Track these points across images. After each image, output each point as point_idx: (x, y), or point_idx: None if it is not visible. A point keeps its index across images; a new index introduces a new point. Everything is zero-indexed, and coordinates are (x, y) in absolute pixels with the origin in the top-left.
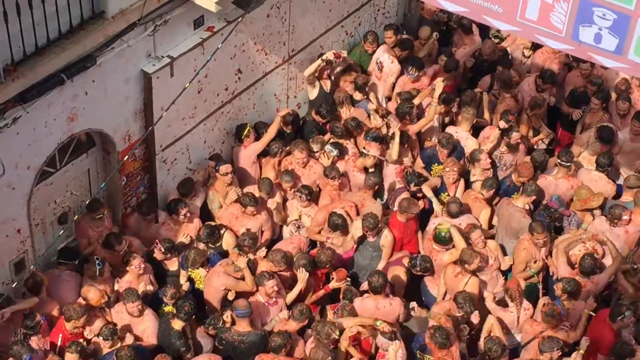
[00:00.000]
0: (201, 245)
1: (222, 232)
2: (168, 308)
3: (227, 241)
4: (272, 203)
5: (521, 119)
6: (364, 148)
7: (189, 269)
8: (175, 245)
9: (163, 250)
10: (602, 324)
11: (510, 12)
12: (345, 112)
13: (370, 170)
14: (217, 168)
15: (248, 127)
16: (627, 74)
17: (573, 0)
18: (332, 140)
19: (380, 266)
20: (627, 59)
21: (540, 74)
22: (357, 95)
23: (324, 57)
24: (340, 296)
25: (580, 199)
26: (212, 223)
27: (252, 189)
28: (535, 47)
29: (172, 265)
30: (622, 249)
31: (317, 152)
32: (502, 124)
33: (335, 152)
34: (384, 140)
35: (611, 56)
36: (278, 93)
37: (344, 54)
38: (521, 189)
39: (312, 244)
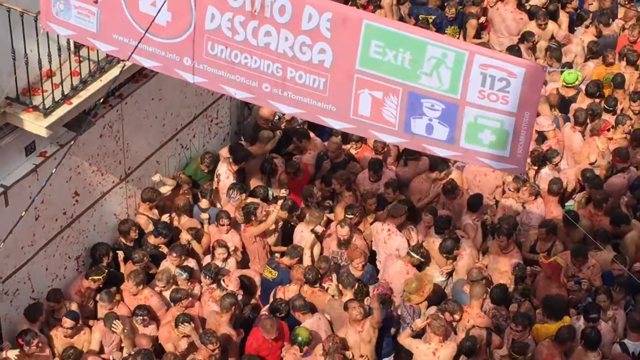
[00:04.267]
0: None
1: None
2: None
3: None
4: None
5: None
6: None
7: None
8: None
9: None
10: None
11: (343, 110)
12: (182, 220)
13: None
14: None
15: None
16: (459, 161)
17: (402, 94)
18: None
19: None
20: (459, 147)
21: (369, 164)
22: (204, 203)
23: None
24: None
25: (413, 291)
26: None
27: None
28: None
29: None
30: None
31: (163, 286)
32: (342, 230)
33: (184, 275)
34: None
35: (444, 145)
36: (118, 212)
37: None
38: None
39: None
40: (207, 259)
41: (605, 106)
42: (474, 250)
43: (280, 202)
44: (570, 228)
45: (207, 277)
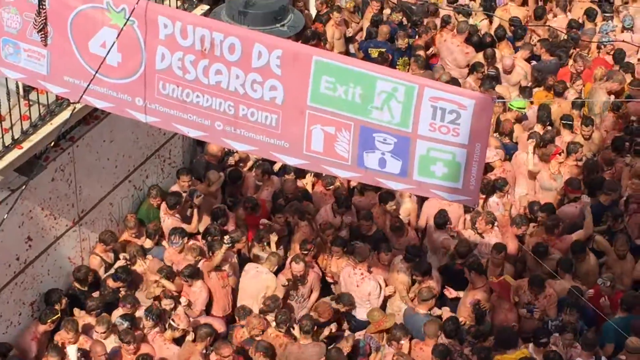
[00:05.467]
0: None
1: None
2: None
3: None
4: None
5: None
6: (173, 320)
7: None
8: None
9: None
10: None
11: (296, 146)
12: (141, 265)
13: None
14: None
15: None
16: (414, 194)
17: (354, 129)
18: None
19: None
20: (413, 179)
21: (335, 199)
22: (148, 243)
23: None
24: None
25: (374, 321)
26: None
27: None
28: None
29: None
30: None
31: (103, 332)
32: (297, 266)
33: (125, 324)
34: None
35: (397, 179)
36: (72, 256)
37: None
38: None
39: None
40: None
41: (564, 122)
42: (438, 285)
43: (227, 237)
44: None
45: (150, 319)
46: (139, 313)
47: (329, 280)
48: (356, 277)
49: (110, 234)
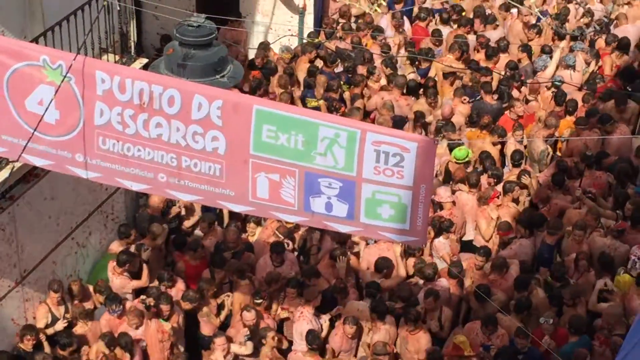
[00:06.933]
0: None
1: None
2: None
3: None
4: None
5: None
6: None
7: None
8: None
9: None
10: None
11: (242, 194)
12: (83, 327)
13: None
14: None
15: None
16: (359, 237)
17: (299, 175)
18: None
19: None
20: (360, 222)
21: (271, 247)
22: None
23: None
24: None
25: None
26: None
27: None
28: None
29: None
30: None
31: None
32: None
33: None
34: None
35: (344, 222)
36: (16, 317)
37: None
38: None
39: None
40: None
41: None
42: (392, 327)
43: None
44: (482, 302)
45: None
46: None
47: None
48: (297, 314)
49: (58, 283)
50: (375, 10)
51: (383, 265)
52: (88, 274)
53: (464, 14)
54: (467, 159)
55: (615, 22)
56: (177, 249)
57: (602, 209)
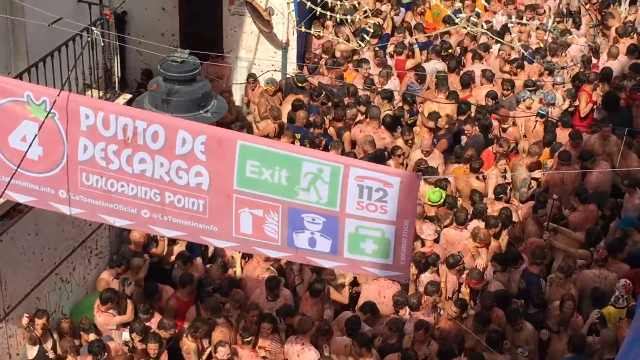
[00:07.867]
0: None
1: None
2: None
3: None
4: None
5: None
6: None
7: None
8: None
9: None
10: None
11: (225, 229)
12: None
13: None
14: None
15: None
16: (345, 272)
17: (282, 210)
18: None
19: None
20: (344, 257)
21: (266, 283)
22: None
23: None
24: None
25: None
26: None
27: None
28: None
29: None
30: None
31: None
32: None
33: None
34: None
35: (328, 257)
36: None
37: None
38: None
39: None
40: None
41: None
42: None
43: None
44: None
45: None
46: None
47: None
48: (297, 347)
49: (43, 310)
50: (360, 45)
51: (368, 310)
52: (71, 310)
53: (450, 50)
54: (440, 201)
55: (600, 56)
56: (149, 297)
57: (575, 241)
